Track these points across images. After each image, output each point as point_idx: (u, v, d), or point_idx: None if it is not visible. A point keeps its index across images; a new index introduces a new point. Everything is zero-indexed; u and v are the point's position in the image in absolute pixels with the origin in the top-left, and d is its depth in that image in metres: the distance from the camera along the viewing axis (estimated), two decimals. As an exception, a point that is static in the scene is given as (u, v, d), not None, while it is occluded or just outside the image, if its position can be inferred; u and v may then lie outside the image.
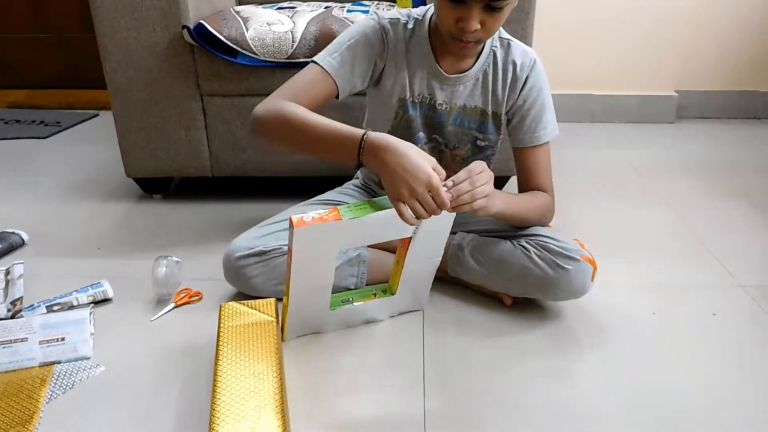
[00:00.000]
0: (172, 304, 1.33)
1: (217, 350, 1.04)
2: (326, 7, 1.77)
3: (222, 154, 1.76)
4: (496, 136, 1.33)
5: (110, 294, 1.36)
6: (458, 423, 1.00)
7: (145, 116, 1.71)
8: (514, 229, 1.30)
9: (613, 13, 2.57)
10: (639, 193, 1.95)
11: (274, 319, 1.12)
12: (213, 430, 0.86)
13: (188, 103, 1.70)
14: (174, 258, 1.39)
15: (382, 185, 1.39)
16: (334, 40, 1.26)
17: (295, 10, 1.76)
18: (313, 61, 1.24)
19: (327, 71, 1.21)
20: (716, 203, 1.84)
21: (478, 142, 1.33)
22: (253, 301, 1.17)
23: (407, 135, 1.31)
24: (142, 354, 1.18)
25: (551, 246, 1.22)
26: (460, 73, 1.27)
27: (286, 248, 1.28)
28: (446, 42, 1.20)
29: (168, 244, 1.60)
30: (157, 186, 1.89)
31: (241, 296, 1.30)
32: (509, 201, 1.22)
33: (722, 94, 2.73)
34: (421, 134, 1.33)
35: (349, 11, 1.72)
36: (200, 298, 1.36)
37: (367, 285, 1.36)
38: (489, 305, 1.31)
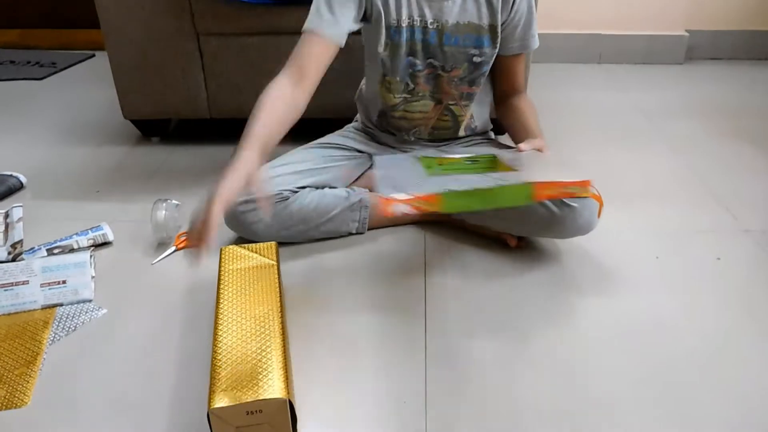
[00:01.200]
0: (173, 248, 1.33)
1: (218, 294, 1.04)
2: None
3: (220, 96, 1.72)
4: (492, 50, 1.29)
5: (110, 237, 1.35)
6: (459, 365, 1.00)
7: (140, 56, 1.67)
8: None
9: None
10: (645, 136, 1.92)
11: (275, 263, 1.12)
12: (216, 373, 0.85)
13: (184, 43, 1.65)
14: (173, 201, 1.38)
15: (380, 127, 1.37)
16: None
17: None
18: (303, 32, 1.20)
19: (317, 34, 1.19)
20: (723, 147, 1.81)
21: (475, 59, 1.29)
22: (253, 245, 1.16)
23: (401, 63, 1.29)
24: (144, 297, 1.18)
25: None
26: None
27: (287, 193, 1.27)
28: None
29: (167, 187, 1.59)
30: (155, 128, 1.86)
31: (242, 240, 1.29)
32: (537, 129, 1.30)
33: (733, 33, 2.66)
34: (415, 60, 1.29)
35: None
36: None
37: (368, 230, 1.35)
38: (491, 248, 1.30)
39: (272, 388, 0.81)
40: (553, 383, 0.95)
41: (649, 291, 1.18)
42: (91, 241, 1.33)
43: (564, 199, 1.18)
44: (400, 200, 0.86)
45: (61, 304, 1.16)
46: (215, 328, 0.95)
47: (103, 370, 1.00)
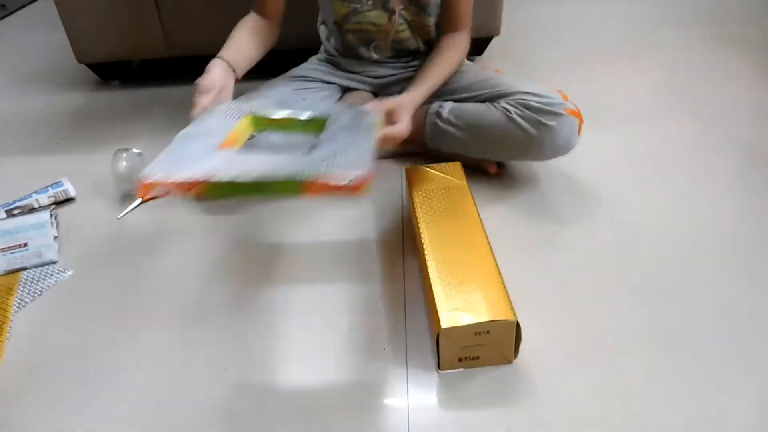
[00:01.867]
0: (139, 200, 1.26)
1: (415, 216, 1.02)
2: None
3: (176, 32, 1.61)
4: None
5: (72, 193, 1.28)
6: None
7: (87, -6, 1.55)
8: (491, 89, 1.22)
9: None
10: (630, 49, 1.83)
11: (465, 183, 1.09)
12: (438, 293, 0.85)
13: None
14: (135, 150, 1.30)
15: (341, 50, 1.31)
16: None
17: None
18: None
19: None
20: (710, 57, 1.73)
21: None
22: (437, 165, 1.14)
23: (357, 4, 1.24)
24: (111, 255, 1.13)
25: (532, 103, 1.14)
26: None
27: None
28: None
29: (130, 135, 1.51)
30: (113, 71, 1.76)
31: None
32: (423, 96, 1.20)
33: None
34: (369, 4, 1.24)
35: None
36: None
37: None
38: (471, 176, 1.23)
39: (501, 310, 0.82)
40: (536, 314, 0.92)
41: (633, 214, 1.14)
42: (52, 199, 1.27)
43: (540, 119, 1.13)
44: (161, 183, 0.78)
45: (25, 268, 1.11)
46: (422, 250, 0.95)
47: (73, 335, 0.96)
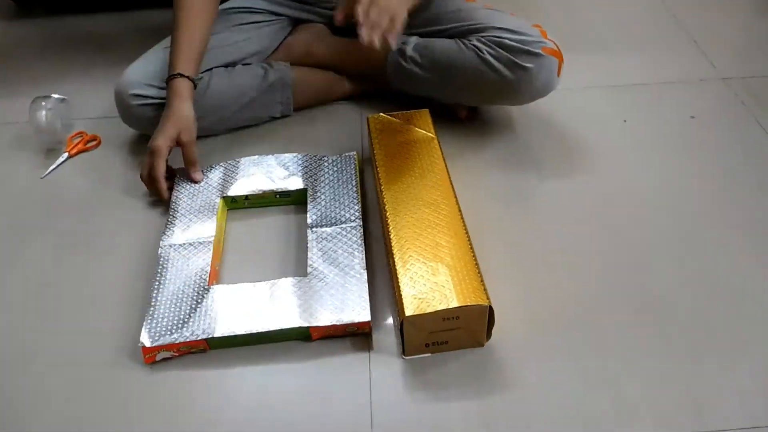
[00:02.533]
0: (65, 155, 1.12)
1: (377, 174, 0.92)
2: None
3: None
4: None
5: (-13, 147, 1.13)
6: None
7: None
8: (461, 23, 1.07)
9: None
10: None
11: (434, 136, 0.97)
12: (402, 273, 0.77)
13: None
14: (56, 96, 1.15)
15: None
16: None
17: None
18: None
19: None
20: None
21: None
22: (403, 113, 1.02)
23: None
24: (36, 219, 1.00)
25: (506, 41, 1.00)
26: None
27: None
28: None
29: (53, 75, 1.33)
30: (32, -3, 1.54)
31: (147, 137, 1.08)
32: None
33: None
34: None
35: None
36: (98, 144, 1.14)
37: (295, 110, 1.16)
38: (439, 123, 1.09)
39: (472, 293, 0.73)
40: (509, 288, 0.83)
41: (615, 165, 1.04)
42: (-36, 155, 1.11)
43: (516, 60, 0.99)
44: (164, 347, 0.77)
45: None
46: (385, 217, 0.85)
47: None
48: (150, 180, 0.97)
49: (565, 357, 0.76)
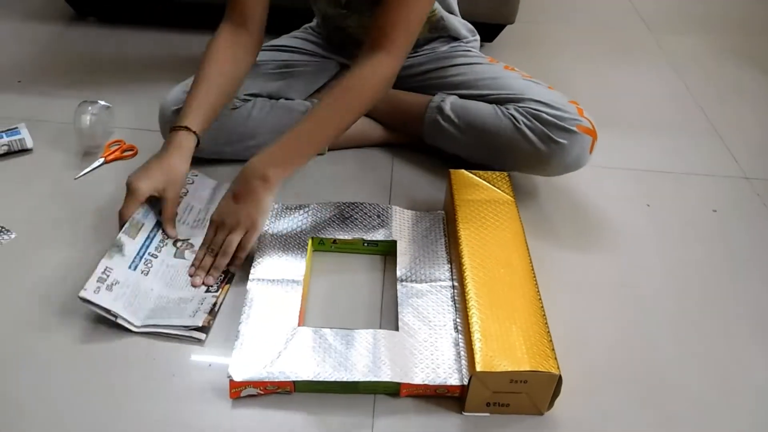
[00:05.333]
0: (102, 159, 1.15)
1: (456, 227, 0.93)
2: None
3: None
4: None
5: (29, 144, 1.16)
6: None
7: None
8: (500, 91, 1.10)
9: None
10: (645, 49, 1.72)
11: (513, 198, 0.99)
12: (477, 328, 0.78)
13: None
14: (102, 102, 1.18)
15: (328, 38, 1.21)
16: None
17: None
18: None
19: None
20: (730, 70, 1.64)
21: None
22: (484, 172, 1.03)
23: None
24: (62, 219, 1.02)
25: (543, 115, 1.03)
26: None
27: (235, 102, 1.09)
28: None
29: (101, 81, 1.37)
30: (91, 5, 1.60)
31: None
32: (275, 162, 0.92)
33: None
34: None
35: None
36: (135, 153, 1.17)
37: (329, 150, 1.19)
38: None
39: (543, 359, 0.74)
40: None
41: (633, 244, 1.06)
42: (5, 148, 1.14)
43: (551, 135, 1.02)
44: (251, 383, 0.76)
45: (-37, 225, 1.00)
46: (462, 272, 0.86)
47: (10, 308, 0.86)
48: (120, 220, 0.93)
49: None
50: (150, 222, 0.96)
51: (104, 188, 1.09)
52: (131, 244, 0.90)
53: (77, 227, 1.01)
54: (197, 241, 0.97)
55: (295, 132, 0.92)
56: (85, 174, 1.12)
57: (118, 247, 0.88)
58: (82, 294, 0.80)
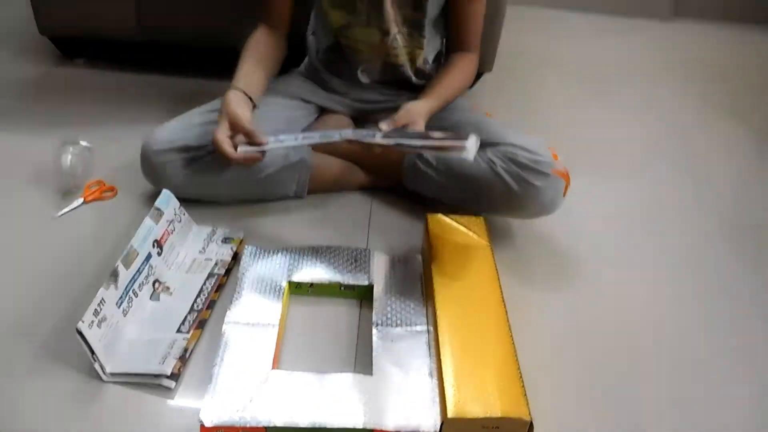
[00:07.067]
0: (81, 200, 1.15)
1: (431, 272, 0.94)
2: None
3: (151, 15, 1.49)
4: (431, 9, 1.16)
5: (7, 181, 1.16)
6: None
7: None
8: (479, 135, 1.13)
9: None
10: (623, 96, 1.78)
11: (488, 244, 1.00)
12: (447, 374, 0.79)
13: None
14: (84, 143, 1.19)
15: (329, 67, 1.28)
16: None
17: None
18: None
19: None
20: (705, 118, 1.69)
21: (413, 22, 1.17)
22: (459, 217, 1.04)
23: (353, 16, 1.17)
24: (40, 257, 1.02)
25: (519, 158, 1.06)
26: None
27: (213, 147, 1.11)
28: None
29: (84, 121, 1.38)
30: (78, 48, 1.63)
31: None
32: (432, 106, 1.14)
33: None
34: (365, 17, 1.16)
35: None
36: (114, 194, 1.18)
37: (308, 193, 1.20)
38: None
39: (515, 404, 0.75)
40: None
41: (610, 289, 1.07)
42: (-17, 185, 1.14)
43: (526, 177, 1.05)
44: (223, 428, 0.76)
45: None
46: (435, 315, 0.87)
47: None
48: (234, 161, 1.03)
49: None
50: (144, 251, 0.95)
51: (83, 228, 1.09)
52: (124, 275, 0.90)
53: (55, 265, 1.00)
54: (173, 284, 0.97)
55: (434, 95, 1.15)
56: (65, 213, 1.12)
57: (114, 277, 0.88)
58: (80, 327, 0.78)
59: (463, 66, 1.23)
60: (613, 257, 1.15)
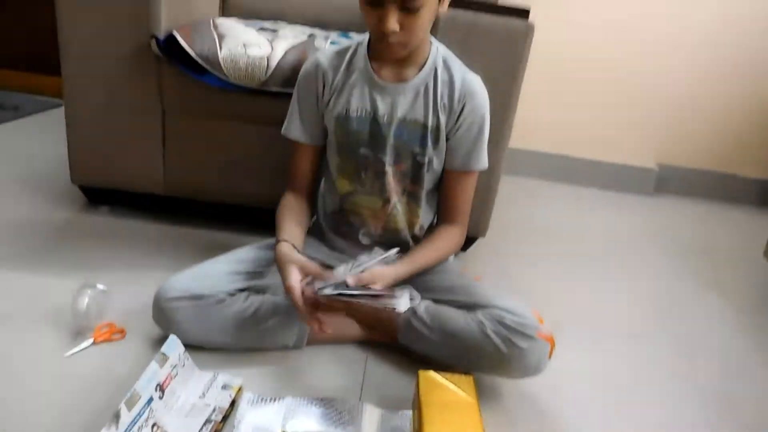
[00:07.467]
0: (91, 340, 1.21)
1: (422, 426, 0.97)
2: (310, 35, 1.68)
3: (177, 173, 1.64)
4: (432, 152, 1.26)
5: (24, 318, 1.22)
6: None
7: (98, 122, 1.59)
8: (469, 298, 1.23)
9: (603, 81, 2.54)
10: (607, 264, 1.89)
11: (475, 401, 1.03)
12: None
13: (147, 116, 1.58)
14: (101, 287, 1.27)
15: (333, 227, 1.39)
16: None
17: (277, 33, 1.66)
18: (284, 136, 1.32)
19: (298, 140, 1.31)
20: (685, 290, 1.79)
21: (418, 158, 1.27)
22: (450, 375, 1.08)
23: (351, 150, 1.28)
24: (46, 392, 1.06)
25: (507, 321, 1.14)
26: (399, 82, 1.24)
27: (222, 295, 1.19)
28: (377, 48, 1.22)
29: (103, 265, 1.48)
30: (104, 197, 1.77)
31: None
32: (400, 272, 1.20)
33: (704, 172, 2.70)
34: (365, 150, 1.27)
35: (332, 43, 1.63)
36: (123, 336, 1.24)
37: (307, 345, 1.26)
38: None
39: None
40: None
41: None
42: None
43: (513, 339, 1.13)
44: None
45: (-53, 396, 1.03)
46: None
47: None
48: (301, 309, 1.10)
49: None
50: (146, 394, 0.99)
51: (90, 368, 1.14)
52: (126, 416, 0.93)
53: (60, 403, 1.04)
54: (171, 428, 1.00)
55: (408, 263, 1.23)
56: (74, 353, 1.17)
57: (116, 419, 0.91)
58: None
59: (447, 237, 1.33)
60: (600, 424, 1.18)
